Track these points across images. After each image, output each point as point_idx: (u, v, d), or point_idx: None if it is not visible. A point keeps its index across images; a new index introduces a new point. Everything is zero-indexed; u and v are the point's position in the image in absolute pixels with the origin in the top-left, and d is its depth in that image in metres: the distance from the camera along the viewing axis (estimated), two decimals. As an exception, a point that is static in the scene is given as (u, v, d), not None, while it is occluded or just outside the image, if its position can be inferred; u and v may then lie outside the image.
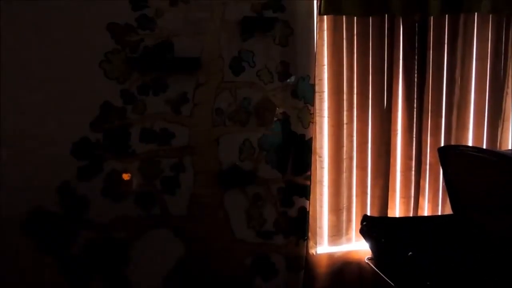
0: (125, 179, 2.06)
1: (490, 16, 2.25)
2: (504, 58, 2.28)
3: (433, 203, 2.30)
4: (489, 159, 1.88)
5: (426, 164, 2.29)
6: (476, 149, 2.02)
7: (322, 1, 2.09)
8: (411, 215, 2.30)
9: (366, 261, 2.01)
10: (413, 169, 2.28)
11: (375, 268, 1.90)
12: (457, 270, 1.65)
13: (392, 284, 1.74)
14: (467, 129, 2.32)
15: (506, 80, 2.31)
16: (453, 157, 1.98)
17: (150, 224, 2.11)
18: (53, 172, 1.99)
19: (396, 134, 2.26)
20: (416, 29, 2.21)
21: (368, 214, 2.25)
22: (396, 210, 2.31)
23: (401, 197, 2.30)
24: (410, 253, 1.63)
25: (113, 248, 2.08)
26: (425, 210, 2.32)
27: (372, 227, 1.95)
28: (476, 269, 1.69)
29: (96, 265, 2.07)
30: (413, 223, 2.07)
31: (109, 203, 2.05)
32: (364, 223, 1.97)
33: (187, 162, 2.11)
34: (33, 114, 1.95)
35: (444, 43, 2.23)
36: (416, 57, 2.22)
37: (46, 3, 1.91)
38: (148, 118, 2.05)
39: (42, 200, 1.98)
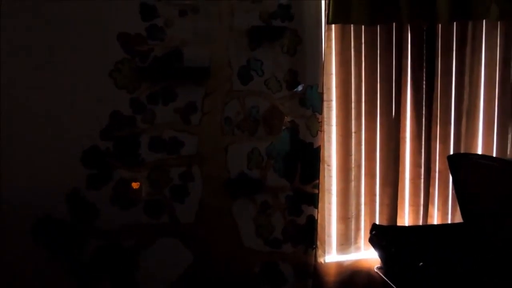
0: (134, 187, 2.08)
1: (499, 23, 2.24)
2: (513, 66, 2.27)
3: (442, 212, 2.28)
4: (499, 168, 1.87)
5: (435, 172, 2.27)
6: (486, 158, 2.01)
7: (330, 10, 2.10)
8: (420, 223, 2.28)
9: (376, 270, 1.99)
10: (422, 177, 2.27)
11: (384, 278, 1.88)
12: (468, 280, 1.63)
13: (403, 294, 1.72)
14: (477, 136, 2.30)
15: (516, 88, 2.29)
16: (463, 165, 1.97)
17: (159, 232, 2.12)
18: (62, 180, 2.01)
19: (404, 142, 2.25)
20: (424, 37, 2.20)
21: (377, 222, 2.23)
22: (405, 218, 2.29)
23: (410, 205, 2.29)
24: (421, 263, 1.62)
25: (122, 255, 2.09)
26: (435, 218, 2.30)
27: (382, 236, 1.93)
28: (487, 278, 1.67)
29: (105, 272, 2.08)
30: (422, 231, 2.05)
31: (118, 211, 2.07)
32: (374, 232, 1.96)
33: (195, 171, 2.13)
34: (44, 122, 1.98)
35: (453, 50, 2.23)
36: (424, 64, 2.22)
37: (57, 13, 1.94)
38: (157, 127, 2.08)
39: (52, 208, 2.01)
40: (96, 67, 2.00)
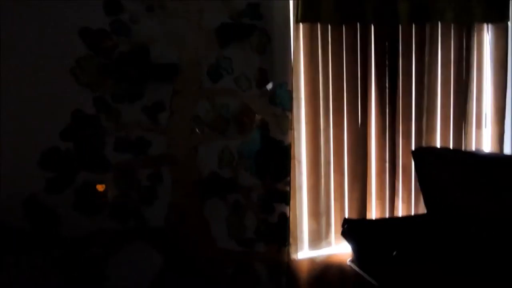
0: (99, 190, 1.97)
1: (452, 25, 2.39)
2: (466, 65, 2.43)
3: (407, 204, 2.38)
4: (459, 158, 1.99)
5: (399, 166, 2.37)
6: (449, 151, 2.13)
7: (299, 10, 2.13)
8: (386, 216, 2.36)
9: (348, 263, 2.04)
10: (387, 171, 2.35)
11: (358, 270, 1.92)
12: (440, 266, 1.72)
13: (376, 283, 1.77)
14: (435, 132, 2.43)
15: (469, 86, 2.45)
16: (427, 159, 2.07)
17: (127, 237, 2.03)
18: (18, 184, 1.86)
19: (370, 138, 2.33)
20: (387, 37, 2.30)
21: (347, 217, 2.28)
22: (373, 211, 2.37)
23: (376, 198, 2.36)
24: (395, 252, 1.67)
25: (88, 265, 1.97)
26: (399, 211, 2.39)
27: (353, 229, 1.98)
28: (456, 265, 1.76)
29: (70, 284, 1.94)
30: (392, 223, 2.13)
31: (82, 217, 1.96)
32: (345, 225, 2.00)
33: (165, 172, 2.06)
34: (-1, 123, 1.82)
35: (412, 51, 2.34)
36: (387, 63, 2.31)
37: (13, 5, 1.80)
38: (123, 126, 1.99)
39: (6, 215, 1.85)
40: (56, 63, 1.87)
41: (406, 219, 2.22)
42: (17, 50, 1.83)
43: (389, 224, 2.12)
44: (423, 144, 2.36)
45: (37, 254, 1.91)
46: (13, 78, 1.83)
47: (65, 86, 1.90)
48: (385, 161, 2.35)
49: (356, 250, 1.96)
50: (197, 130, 2.09)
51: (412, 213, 2.40)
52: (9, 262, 1.87)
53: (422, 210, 2.39)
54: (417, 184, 2.35)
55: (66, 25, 1.88)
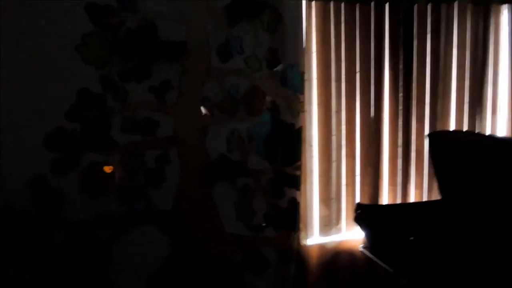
0: (106, 172, 1.91)
1: (469, 5, 2.31)
2: (482, 48, 2.35)
3: (420, 189, 2.33)
4: (475, 142, 1.92)
5: (412, 151, 2.30)
6: (464, 134, 2.07)
7: (311, -13, 2.06)
8: (398, 201, 2.30)
9: (361, 249, 1.98)
10: (400, 156, 2.29)
11: (371, 256, 1.87)
12: (456, 253, 1.66)
13: (391, 270, 1.72)
14: (449, 116, 2.36)
15: (485, 69, 2.38)
16: (442, 142, 2.01)
17: (134, 220, 1.97)
18: (24, 165, 1.81)
19: (383, 122, 2.27)
20: (401, 17, 2.22)
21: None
22: (384, 197, 2.31)
23: (389, 184, 2.31)
24: (412, 237, 1.62)
25: (94, 248, 1.92)
26: (411, 196, 2.34)
27: (367, 215, 1.93)
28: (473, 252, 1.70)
29: (75, 267, 1.90)
30: (406, 209, 2.07)
31: (88, 199, 1.90)
32: (359, 210, 1.95)
33: (172, 154, 2.00)
34: (2, 101, 1.76)
35: (427, 32, 2.27)
36: (401, 44, 2.24)
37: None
38: (130, 106, 1.92)
39: (12, 197, 1.80)
40: (61, 40, 1.81)
41: (421, 204, 2.16)
42: (20, 25, 1.76)
43: (403, 209, 2.06)
44: (437, 129, 2.30)
45: (42, 236, 1.85)
46: (17, 56, 1.77)
47: (70, 64, 1.83)
48: (398, 146, 2.29)
49: (370, 236, 1.91)
50: (206, 111, 2.02)
51: (424, 199, 2.35)
52: (14, 244, 1.82)
53: (435, 196, 2.33)
54: (431, 169, 2.30)
55: (72, 0, 1.80)
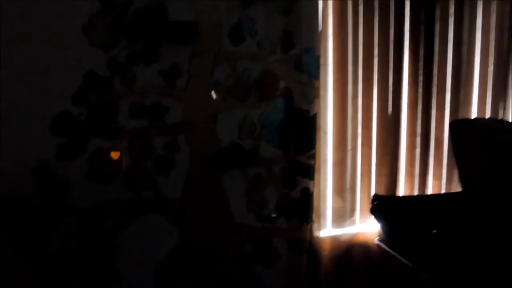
0: (113, 158, 1.85)
1: (495, -12, 2.19)
2: (509, 33, 2.23)
3: (438, 181, 2.23)
4: (502, 132, 1.82)
5: (432, 141, 2.20)
6: (488, 122, 1.96)
7: (329, -35, 1.95)
8: (416, 193, 2.21)
9: (377, 242, 1.90)
10: (419, 146, 2.19)
11: (388, 249, 1.79)
12: (482, 248, 1.57)
13: (411, 264, 1.63)
14: (471, 105, 2.25)
15: (510, 55, 2.26)
16: (465, 132, 1.90)
17: (142, 209, 1.92)
18: (28, 151, 1.75)
19: (401, 110, 2.16)
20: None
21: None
22: (401, 188, 2.22)
23: (406, 175, 2.21)
24: (435, 230, 1.53)
25: (100, 237, 1.87)
26: (429, 188, 2.24)
27: (384, 206, 1.84)
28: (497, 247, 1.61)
29: (81, 257, 1.85)
30: (425, 201, 1.98)
31: (95, 186, 1.84)
32: (375, 202, 1.86)
33: (182, 141, 1.93)
34: (6, 84, 1.69)
35: (451, 15, 2.15)
36: (423, 28, 2.12)
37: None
38: (138, 90, 1.85)
39: (16, 183, 1.74)
40: (67, 21, 1.73)
41: (441, 196, 2.07)
42: (24, 6, 1.68)
43: (422, 201, 1.97)
44: (459, 117, 2.19)
45: (47, 224, 1.80)
46: (21, 37, 1.69)
47: (77, 45, 1.75)
48: (417, 135, 2.19)
49: (387, 229, 1.83)
50: (217, 97, 1.94)
51: (443, 191, 2.25)
52: (18, 233, 1.77)
53: (455, 188, 2.24)
54: (450, 160, 2.20)
55: (77, -22, 1.73)
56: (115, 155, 1.83)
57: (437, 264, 1.55)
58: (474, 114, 2.27)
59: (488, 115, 2.28)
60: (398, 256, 1.71)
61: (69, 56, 1.76)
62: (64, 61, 1.76)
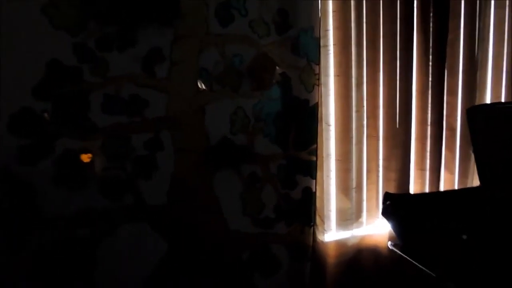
0: (84, 161, 1.61)
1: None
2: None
3: (453, 175, 2.04)
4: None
5: (444, 130, 2.00)
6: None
7: None
8: (427, 188, 2.01)
9: (390, 247, 1.69)
10: (430, 136, 1.99)
11: (404, 256, 1.58)
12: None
13: (433, 274, 1.42)
14: (485, 89, 2.06)
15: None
16: (485, 119, 1.70)
17: (122, 217, 1.69)
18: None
19: (411, 96, 1.96)
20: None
21: (383, 192, 1.93)
22: (411, 184, 2.02)
23: (416, 168, 2.01)
24: (465, 236, 1.32)
25: (75, 250, 1.64)
26: (442, 183, 2.05)
27: (398, 207, 1.62)
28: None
29: (54, 273, 1.62)
30: (444, 198, 1.77)
31: (65, 192, 1.61)
32: (388, 202, 1.64)
33: (165, 138, 1.72)
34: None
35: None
36: (433, 4, 1.92)
37: None
38: (112, 81, 1.62)
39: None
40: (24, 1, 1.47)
41: (461, 192, 1.86)
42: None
43: (442, 199, 1.75)
44: (473, 103, 1.99)
45: (12, 237, 1.56)
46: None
47: (36, 29, 1.51)
48: (428, 124, 1.98)
49: (402, 232, 1.61)
50: (203, 86, 1.72)
51: (456, 186, 2.06)
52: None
53: (469, 182, 2.05)
54: (463, 151, 2.00)
55: None
56: (85, 157, 1.59)
57: (466, 273, 1.35)
58: (488, 99, 2.08)
59: (503, 99, 2.08)
60: (417, 264, 1.50)
61: (26, 43, 1.51)
62: (20, 49, 1.50)
